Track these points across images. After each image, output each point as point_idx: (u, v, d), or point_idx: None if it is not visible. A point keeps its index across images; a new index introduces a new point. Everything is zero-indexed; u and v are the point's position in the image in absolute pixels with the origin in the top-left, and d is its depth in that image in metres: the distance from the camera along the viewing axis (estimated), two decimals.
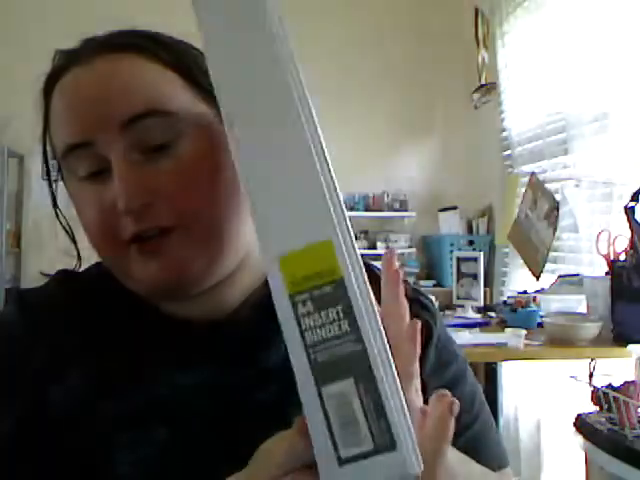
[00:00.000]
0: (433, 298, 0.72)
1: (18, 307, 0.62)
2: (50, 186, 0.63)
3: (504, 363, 2.19)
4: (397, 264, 0.47)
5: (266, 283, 0.41)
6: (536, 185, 2.86)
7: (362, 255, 0.42)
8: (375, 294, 0.62)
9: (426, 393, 0.62)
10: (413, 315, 0.64)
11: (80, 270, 0.68)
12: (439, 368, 0.64)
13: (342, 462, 0.38)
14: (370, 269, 0.67)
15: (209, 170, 0.55)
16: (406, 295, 0.66)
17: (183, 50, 0.59)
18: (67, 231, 0.64)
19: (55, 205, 0.64)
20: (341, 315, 0.39)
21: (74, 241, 0.65)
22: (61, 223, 0.64)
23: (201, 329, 0.60)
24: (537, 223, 2.81)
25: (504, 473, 0.65)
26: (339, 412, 0.38)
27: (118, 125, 0.53)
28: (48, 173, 0.62)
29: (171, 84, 0.56)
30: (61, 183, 0.62)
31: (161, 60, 0.56)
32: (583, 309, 2.23)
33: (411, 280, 3.92)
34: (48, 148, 0.60)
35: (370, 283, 0.62)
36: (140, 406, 0.57)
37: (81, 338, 0.60)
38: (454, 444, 0.61)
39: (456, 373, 0.65)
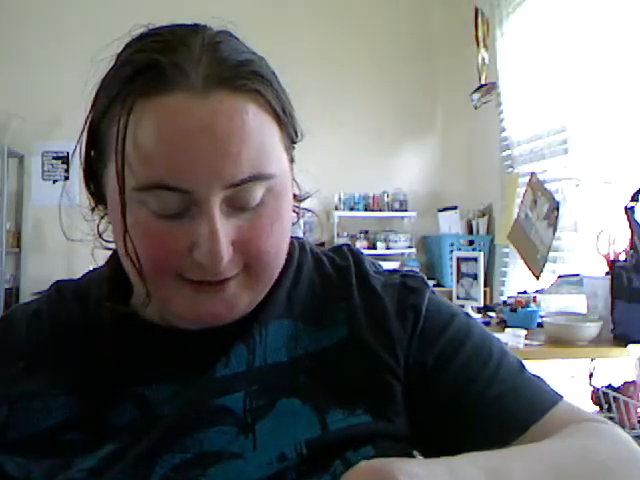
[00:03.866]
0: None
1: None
2: (123, 215, 0.52)
3: None
4: None
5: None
6: (536, 185, 2.86)
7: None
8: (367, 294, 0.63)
9: (426, 366, 0.60)
10: (400, 302, 0.63)
11: (79, 276, 0.68)
12: (434, 336, 0.62)
13: None
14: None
15: (283, 224, 0.56)
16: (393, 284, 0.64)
17: (281, 90, 0.56)
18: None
19: (125, 228, 0.53)
20: None
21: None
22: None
23: (184, 337, 0.59)
24: (537, 223, 2.80)
25: (551, 417, 0.58)
26: None
27: (224, 185, 0.51)
28: (121, 182, 0.51)
29: (274, 140, 0.55)
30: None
31: (271, 109, 0.54)
32: (583, 309, 2.23)
33: None
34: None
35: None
36: (105, 431, 0.56)
37: (55, 355, 0.60)
38: (483, 401, 0.58)
39: (457, 333, 0.63)
